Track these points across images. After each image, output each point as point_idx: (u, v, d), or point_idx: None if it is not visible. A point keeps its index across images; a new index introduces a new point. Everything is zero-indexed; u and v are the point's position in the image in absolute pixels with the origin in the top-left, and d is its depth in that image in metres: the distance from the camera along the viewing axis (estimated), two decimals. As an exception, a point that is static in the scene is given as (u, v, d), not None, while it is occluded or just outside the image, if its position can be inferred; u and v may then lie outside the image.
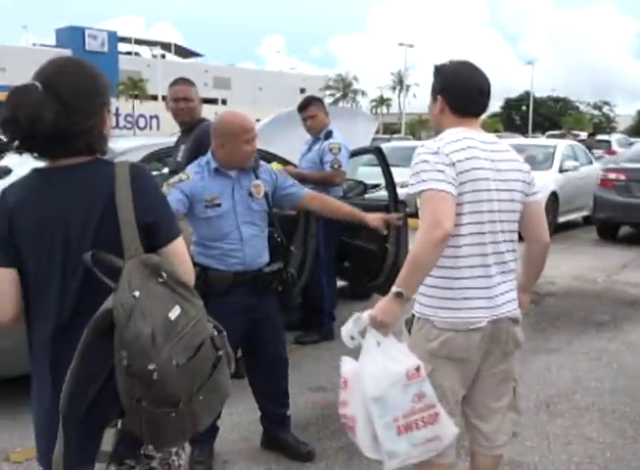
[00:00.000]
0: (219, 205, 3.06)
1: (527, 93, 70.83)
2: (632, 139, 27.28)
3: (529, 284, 2.65)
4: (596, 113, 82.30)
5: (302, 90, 57.25)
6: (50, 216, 1.64)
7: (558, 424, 3.80)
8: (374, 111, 65.69)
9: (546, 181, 9.99)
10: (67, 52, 46.69)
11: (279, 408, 3.43)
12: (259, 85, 59.54)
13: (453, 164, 2.23)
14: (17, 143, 1.65)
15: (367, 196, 6.00)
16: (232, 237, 3.09)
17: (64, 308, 1.65)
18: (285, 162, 4.91)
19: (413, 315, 2.39)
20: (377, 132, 9.15)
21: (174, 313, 1.52)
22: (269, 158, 4.53)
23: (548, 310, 6.25)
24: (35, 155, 1.68)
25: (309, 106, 5.08)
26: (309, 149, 5.13)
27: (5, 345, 3.65)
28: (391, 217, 3.56)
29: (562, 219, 10.89)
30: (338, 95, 70.35)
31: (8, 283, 1.68)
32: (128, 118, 45.37)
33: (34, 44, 55.60)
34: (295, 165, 5.07)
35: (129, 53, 57.32)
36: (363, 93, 73.04)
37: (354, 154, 5.35)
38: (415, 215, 2.33)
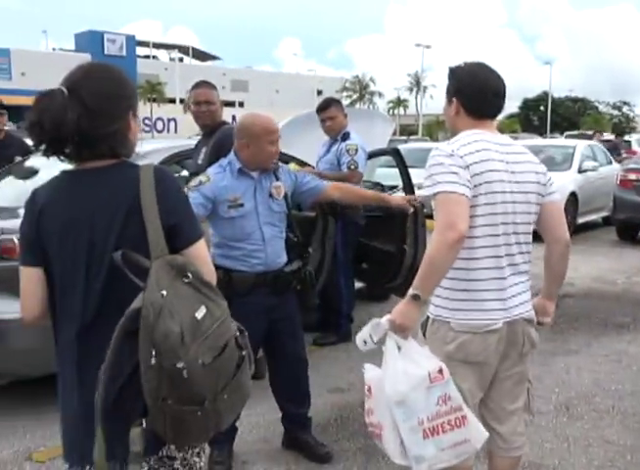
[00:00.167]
0: (242, 205, 3.09)
1: (545, 93, 70.34)
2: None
3: (553, 289, 2.60)
4: (615, 113, 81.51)
5: (319, 92, 57.28)
6: (75, 218, 1.68)
7: (578, 427, 3.78)
8: (391, 112, 65.55)
9: (565, 182, 9.93)
10: (86, 56, 47.12)
11: (299, 408, 3.45)
12: (276, 88, 59.63)
13: (467, 167, 2.23)
14: (44, 147, 1.68)
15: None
16: (254, 237, 3.11)
17: (87, 310, 1.68)
18: (302, 163, 4.93)
19: (428, 318, 2.39)
20: (394, 134, 9.14)
21: (200, 313, 1.55)
22: (287, 159, 4.55)
23: (567, 312, 6.20)
24: (62, 158, 1.71)
25: (329, 107, 5.10)
26: (327, 150, 5.15)
27: (28, 345, 3.71)
28: (411, 198, 3.68)
29: (581, 220, 10.81)
30: (354, 97, 70.29)
31: (34, 282, 1.72)
32: (146, 122, 45.65)
33: (54, 49, 56.16)
34: (312, 167, 5.09)
35: (147, 56, 57.68)
36: (380, 94, 72.96)
37: (372, 155, 5.36)
38: (432, 217, 2.33)
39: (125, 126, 1.73)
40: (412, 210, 3.88)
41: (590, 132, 29.22)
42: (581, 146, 11.88)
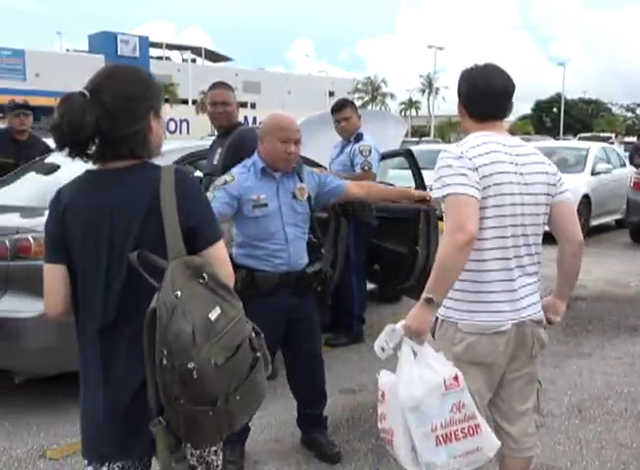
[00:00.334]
0: (266, 205, 3.11)
1: (559, 95, 69.97)
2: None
3: (565, 290, 2.58)
4: (629, 115, 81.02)
5: (331, 93, 57.32)
6: (97, 218, 1.70)
7: (590, 429, 3.76)
8: (403, 114, 65.49)
9: (578, 184, 9.89)
10: (99, 57, 47.40)
11: (314, 408, 3.47)
12: (288, 89, 59.70)
13: (477, 169, 2.24)
14: (67, 149, 1.71)
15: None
16: (277, 237, 3.13)
17: (107, 309, 1.70)
18: (315, 164, 4.94)
19: (437, 318, 2.39)
20: (406, 135, 9.13)
21: (214, 314, 1.56)
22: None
23: (580, 314, 6.17)
24: (85, 159, 1.74)
25: (344, 108, 5.11)
26: (340, 152, 5.16)
27: (44, 344, 3.75)
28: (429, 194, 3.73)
29: (594, 223, 10.76)
30: (366, 98, 70.31)
31: (58, 280, 1.75)
32: (159, 122, 45.80)
33: (67, 50, 56.52)
34: (325, 168, 5.10)
35: (160, 58, 57.93)
36: (392, 96, 72.94)
37: (385, 156, 5.36)
38: (442, 219, 2.34)
39: (146, 128, 1.74)
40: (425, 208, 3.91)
41: (605, 134, 29.06)
42: (595, 148, 11.83)
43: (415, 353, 2.25)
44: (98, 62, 48.60)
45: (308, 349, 3.36)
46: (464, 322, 2.31)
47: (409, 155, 5.32)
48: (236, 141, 3.86)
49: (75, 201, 1.74)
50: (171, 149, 4.77)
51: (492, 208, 2.26)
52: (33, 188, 4.62)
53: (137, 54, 50.39)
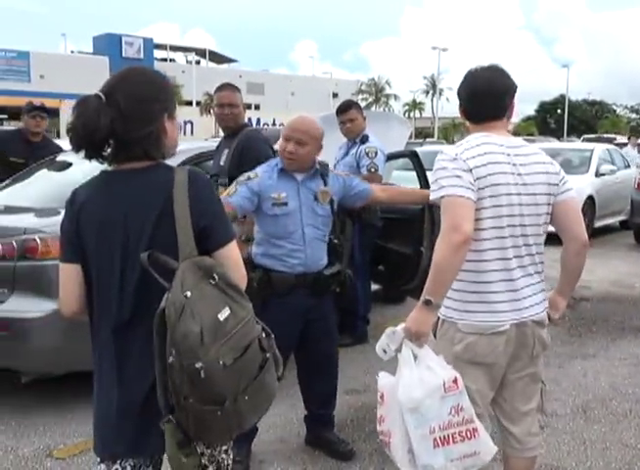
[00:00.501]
0: (286, 203, 3.14)
1: (563, 96, 69.80)
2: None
3: (567, 287, 2.59)
4: (633, 116, 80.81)
5: (335, 95, 57.30)
6: (111, 219, 1.72)
7: (595, 430, 3.77)
8: (407, 115, 65.37)
9: (582, 185, 9.89)
10: (104, 59, 47.52)
11: (326, 409, 3.50)
12: (292, 90, 59.71)
13: (471, 170, 2.25)
14: (83, 151, 1.73)
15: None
16: (295, 237, 3.16)
17: (122, 309, 1.72)
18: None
19: (438, 318, 2.41)
20: (410, 137, 9.14)
21: (223, 314, 1.58)
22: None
23: (584, 315, 6.18)
24: (100, 160, 1.76)
25: (350, 109, 5.12)
26: (346, 153, 5.17)
27: (51, 344, 3.78)
28: None
29: (598, 224, 10.76)
30: (370, 99, 70.23)
31: (73, 279, 1.77)
32: (163, 124, 45.79)
33: (72, 51, 56.66)
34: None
35: (164, 59, 57.97)
36: (396, 97, 72.81)
37: (390, 157, 5.37)
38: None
39: (160, 129, 1.76)
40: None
41: (609, 135, 29.00)
42: (599, 149, 11.84)
43: (415, 356, 2.27)
44: (102, 63, 48.77)
45: (324, 349, 3.38)
46: (463, 322, 2.33)
47: (414, 156, 5.32)
48: (243, 142, 3.89)
49: (90, 201, 1.75)
50: (178, 150, 4.79)
51: (489, 208, 2.28)
52: (41, 188, 4.66)
53: (141, 56, 50.49)
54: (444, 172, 2.27)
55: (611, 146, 13.79)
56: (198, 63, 59.97)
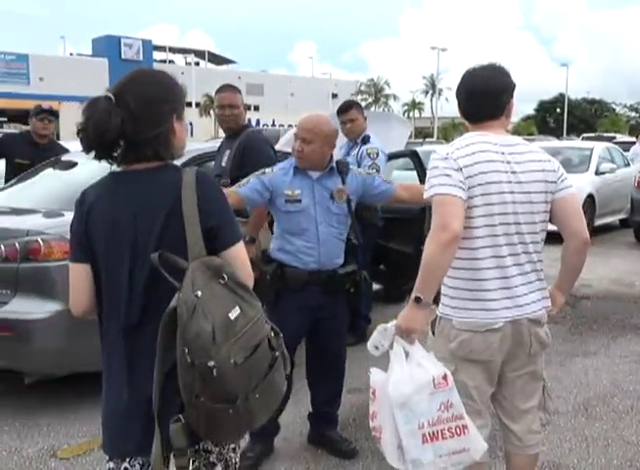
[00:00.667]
0: (299, 201, 3.17)
1: (562, 95, 69.82)
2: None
3: (566, 284, 2.60)
4: (633, 114, 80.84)
5: (334, 95, 57.35)
6: (120, 219, 1.73)
7: (596, 427, 3.79)
8: (406, 115, 65.41)
9: (582, 184, 9.91)
10: (103, 61, 47.53)
11: (331, 407, 3.52)
12: (291, 91, 59.73)
13: (461, 169, 2.27)
14: (93, 152, 1.74)
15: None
16: (309, 234, 3.18)
17: (131, 309, 1.73)
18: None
19: (436, 316, 2.44)
20: (409, 137, 9.16)
21: (234, 313, 1.59)
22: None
23: (585, 314, 6.20)
24: (110, 161, 1.78)
25: (350, 109, 5.13)
26: (347, 153, 5.18)
27: (54, 345, 3.79)
28: None
29: (598, 222, 10.76)
30: (369, 100, 70.24)
31: (83, 279, 1.79)
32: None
33: (71, 54, 56.65)
34: None
35: (164, 61, 57.92)
36: (395, 97, 72.85)
37: (391, 157, 5.39)
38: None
39: (169, 130, 1.77)
40: None
41: (608, 134, 29.02)
42: (598, 148, 11.86)
43: (407, 353, 2.30)
44: (101, 66, 48.79)
45: (335, 349, 3.40)
46: (458, 319, 2.35)
47: (415, 156, 5.34)
48: (244, 143, 3.91)
49: (100, 201, 1.77)
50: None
51: (481, 207, 2.29)
52: (44, 189, 4.68)
53: (141, 57, 50.49)
54: (435, 171, 2.30)
55: (610, 144, 13.80)
56: (197, 64, 60.02)
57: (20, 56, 44.84)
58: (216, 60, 65.45)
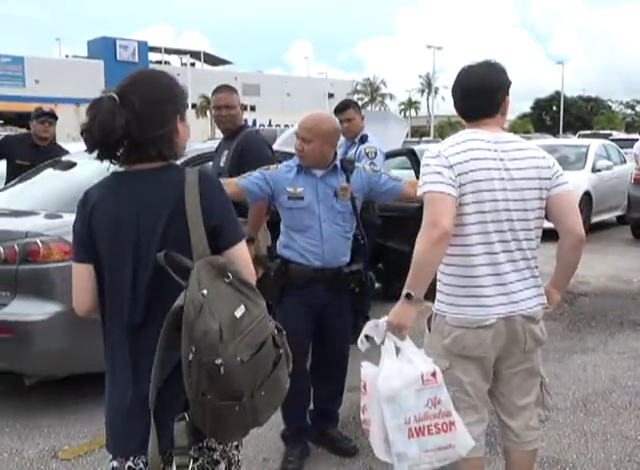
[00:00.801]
0: (302, 198, 3.18)
1: (558, 93, 69.89)
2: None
3: (561, 281, 2.60)
4: (629, 112, 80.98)
5: (330, 95, 57.37)
6: (123, 219, 1.74)
7: (595, 422, 3.81)
8: (402, 114, 65.46)
9: (579, 181, 9.93)
10: (98, 63, 47.46)
11: (333, 405, 3.53)
12: (287, 91, 59.73)
13: (451, 167, 2.28)
14: (97, 152, 1.75)
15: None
16: (313, 232, 3.19)
17: (135, 308, 1.74)
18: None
19: (432, 313, 2.47)
20: (406, 135, 9.20)
21: (239, 312, 1.60)
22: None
23: (583, 310, 6.22)
24: (114, 161, 1.78)
25: (347, 109, 5.14)
26: (345, 153, 5.19)
27: (53, 346, 3.80)
28: None
29: (595, 219, 10.80)
30: (366, 99, 70.30)
31: (86, 279, 1.80)
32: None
33: (67, 56, 56.61)
34: None
35: (159, 62, 57.90)
36: (391, 97, 73.00)
37: (389, 156, 5.40)
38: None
39: (173, 130, 1.79)
40: None
41: (604, 131, 29.10)
42: (595, 145, 11.88)
43: (398, 349, 2.33)
44: (97, 67, 48.72)
45: (339, 347, 3.40)
46: (451, 316, 2.37)
47: (412, 154, 5.36)
48: (242, 144, 3.93)
49: (103, 201, 1.78)
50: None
51: (472, 204, 2.31)
52: (43, 191, 4.69)
53: (136, 59, 50.42)
54: (427, 169, 2.32)
55: (607, 141, 13.82)
56: (193, 65, 59.91)
57: (15, 58, 44.74)
58: (212, 60, 65.44)
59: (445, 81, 67.70)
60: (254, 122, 38.04)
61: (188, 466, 1.69)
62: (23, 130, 13.07)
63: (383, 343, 2.37)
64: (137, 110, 1.71)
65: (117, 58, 49.48)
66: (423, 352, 2.35)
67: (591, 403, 4.08)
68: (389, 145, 5.65)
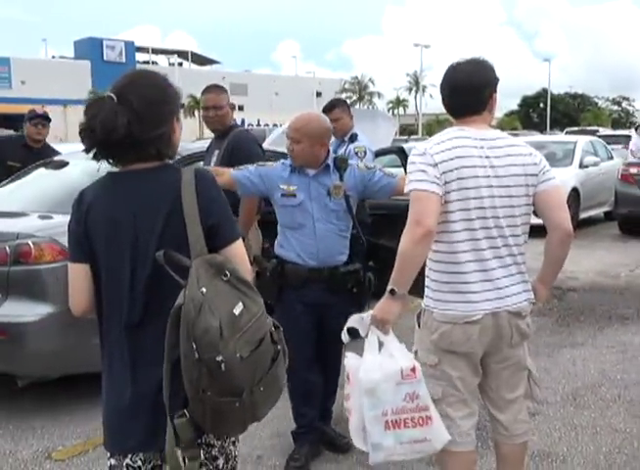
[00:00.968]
0: (294, 195, 3.19)
1: (545, 90, 70.23)
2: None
3: (548, 276, 2.61)
4: (615, 108, 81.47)
5: (319, 94, 57.37)
6: (121, 219, 1.75)
7: (585, 415, 3.85)
8: (391, 112, 65.51)
9: (567, 177, 9.99)
10: (85, 63, 47.26)
11: (326, 402, 3.54)
12: (275, 90, 59.71)
13: (437, 165, 2.30)
14: (95, 151, 1.76)
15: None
16: (306, 230, 3.19)
17: (134, 308, 1.75)
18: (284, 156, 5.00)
19: (421, 309, 2.50)
20: (394, 134, 9.22)
21: (238, 309, 1.62)
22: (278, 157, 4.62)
23: (572, 305, 6.28)
24: (110, 161, 1.79)
25: (334, 108, 5.12)
26: (335, 152, 5.20)
27: (46, 348, 3.80)
28: None
29: (583, 215, 10.86)
30: (354, 98, 70.30)
31: (82, 279, 1.81)
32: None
33: (53, 56, 56.30)
34: None
35: (147, 62, 57.71)
36: (379, 95, 73.01)
37: (378, 154, 5.41)
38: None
39: (170, 130, 1.81)
40: None
41: (591, 128, 29.29)
42: (582, 142, 11.95)
43: (381, 343, 2.38)
44: (84, 68, 48.51)
45: (335, 349, 3.36)
46: (439, 311, 2.40)
47: (402, 152, 5.38)
48: (232, 143, 3.94)
49: (98, 201, 1.78)
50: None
51: (458, 201, 2.33)
52: (34, 192, 4.68)
53: (123, 59, 50.25)
54: (413, 167, 2.35)
55: (594, 138, 13.91)
56: (180, 65, 59.78)
57: (1, 59, 44.50)
58: (200, 60, 65.28)
59: (433, 79, 67.72)
60: (243, 122, 37.91)
61: (199, 456, 1.72)
62: (10, 132, 12.99)
63: (367, 336, 2.42)
64: (136, 109, 1.72)
65: (104, 58, 49.31)
66: (405, 348, 2.40)
67: (581, 397, 4.12)
68: (379, 143, 5.67)
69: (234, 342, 1.58)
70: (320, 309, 3.25)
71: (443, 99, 2.51)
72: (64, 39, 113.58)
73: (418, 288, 2.44)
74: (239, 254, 1.81)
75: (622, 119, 76.18)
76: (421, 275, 2.40)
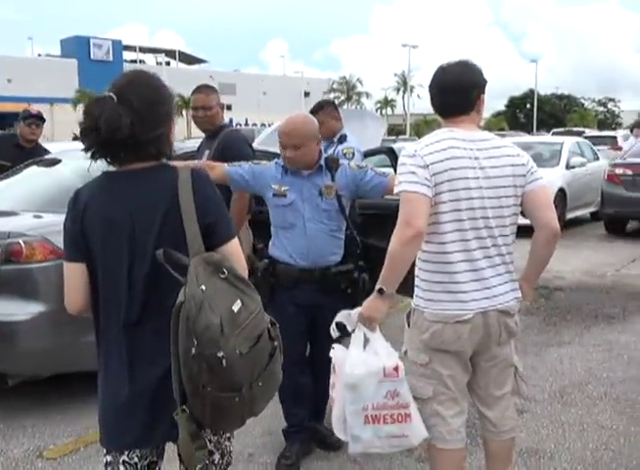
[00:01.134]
0: (285, 195, 3.19)
1: (532, 91, 70.56)
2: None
3: (532, 275, 2.65)
4: (601, 109, 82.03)
5: (307, 94, 57.47)
6: (118, 218, 1.77)
7: (572, 413, 3.90)
8: (379, 112, 65.61)
9: (553, 178, 10.07)
10: (72, 62, 46.99)
11: (319, 403, 3.54)
12: (263, 90, 59.67)
13: (427, 166, 2.33)
14: (95, 150, 1.77)
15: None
16: (297, 231, 3.19)
17: (132, 306, 1.77)
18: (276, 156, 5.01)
19: (411, 308, 2.53)
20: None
21: (236, 306, 1.66)
22: (269, 157, 4.63)
23: (559, 305, 6.33)
24: (109, 160, 1.80)
25: (319, 111, 5.02)
26: (324, 153, 5.20)
27: (37, 346, 3.80)
28: None
29: (570, 216, 10.95)
30: (342, 98, 70.39)
31: (78, 278, 1.82)
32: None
33: (39, 55, 55.91)
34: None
35: (134, 61, 57.48)
36: (367, 95, 73.20)
37: (367, 154, 5.43)
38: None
39: (169, 130, 1.84)
40: None
41: (578, 129, 29.51)
42: (568, 142, 12.06)
43: (367, 340, 2.43)
44: (71, 66, 48.23)
45: (328, 348, 3.40)
46: (430, 311, 2.43)
47: (391, 152, 5.40)
48: (223, 143, 3.95)
49: (95, 201, 1.79)
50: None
51: (448, 202, 2.36)
52: (26, 191, 4.66)
53: (111, 58, 50.03)
54: (403, 168, 2.37)
55: (580, 139, 14.02)
56: (168, 64, 59.59)
57: (-13, 57, 44.13)
58: (187, 59, 65.11)
59: (421, 80, 68.01)
60: (231, 121, 37.84)
61: (207, 445, 1.76)
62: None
63: (354, 331, 2.46)
64: (137, 109, 1.74)
65: (91, 57, 49.08)
66: (390, 346, 2.44)
67: (568, 395, 4.17)
68: (368, 143, 5.68)
69: (234, 338, 1.61)
70: (313, 310, 3.24)
71: (432, 99, 2.54)
72: (50, 37, 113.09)
73: (407, 287, 2.47)
74: (235, 252, 1.84)
75: (608, 120, 76.78)
76: (410, 274, 2.43)
